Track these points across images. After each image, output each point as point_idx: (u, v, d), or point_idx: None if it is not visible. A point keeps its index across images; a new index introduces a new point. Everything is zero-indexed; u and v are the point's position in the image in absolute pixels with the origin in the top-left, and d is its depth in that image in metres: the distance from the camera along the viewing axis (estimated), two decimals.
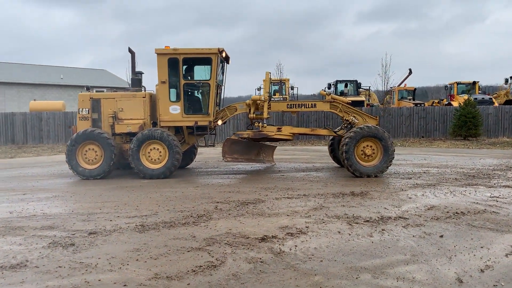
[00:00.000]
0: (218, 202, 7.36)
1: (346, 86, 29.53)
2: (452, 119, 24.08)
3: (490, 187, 8.51)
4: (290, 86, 32.65)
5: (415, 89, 33.18)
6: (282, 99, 29.58)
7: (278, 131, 10.92)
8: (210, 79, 10.61)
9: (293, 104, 11.17)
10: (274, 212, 6.57)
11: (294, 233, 5.42)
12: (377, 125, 10.85)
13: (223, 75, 11.85)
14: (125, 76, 29.26)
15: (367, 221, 5.99)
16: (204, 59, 10.67)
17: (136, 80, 11.50)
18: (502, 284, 3.82)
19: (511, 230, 5.47)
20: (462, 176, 10.04)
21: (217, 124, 10.95)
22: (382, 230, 5.54)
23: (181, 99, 10.65)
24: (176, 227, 5.81)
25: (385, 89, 27.07)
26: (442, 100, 33.24)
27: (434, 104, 32.06)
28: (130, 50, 11.50)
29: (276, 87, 31.41)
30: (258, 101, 10.65)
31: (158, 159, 10.40)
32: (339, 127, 11.65)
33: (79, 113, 11.08)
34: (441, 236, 5.23)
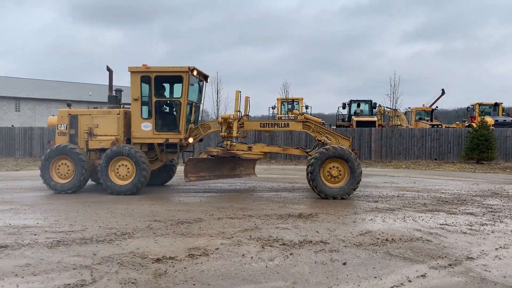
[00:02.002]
0: (155, 221, 7.33)
1: (358, 106, 29.10)
2: (465, 141, 23.25)
3: (450, 214, 8.09)
4: (304, 105, 32.54)
5: (433, 109, 32.29)
6: (294, 117, 29.48)
7: (249, 149, 10.83)
8: (181, 97, 10.70)
9: (266, 123, 11.07)
10: (201, 233, 6.47)
11: (197, 254, 5.30)
12: (349, 146, 10.61)
13: (200, 93, 11.94)
14: None
15: (284, 244, 5.80)
16: (175, 77, 10.80)
17: (113, 97, 11.74)
18: None
19: (426, 260, 5.14)
20: (434, 201, 9.61)
21: (189, 142, 10.97)
22: (290, 254, 5.33)
23: (152, 116, 10.78)
24: (89, 244, 5.81)
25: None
26: (464, 121, 32.20)
27: (457, 126, 31.03)
28: (108, 69, 11.79)
29: (289, 106, 31.33)
30: (229, 120, 10.63)
31: (126, 175, 10.50)
32: (312, 147, 11.43)
33: (57, 128, 11.40)
34: (344, 264, 4.98)
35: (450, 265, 4.97)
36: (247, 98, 11.53)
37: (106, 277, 4.47)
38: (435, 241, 6.06)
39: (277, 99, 30.83)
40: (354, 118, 28.03)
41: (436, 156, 24.82)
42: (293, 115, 29.61)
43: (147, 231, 6.56)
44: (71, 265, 4.86)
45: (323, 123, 11.02)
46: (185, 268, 4.80)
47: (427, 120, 31.38)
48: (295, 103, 32.10)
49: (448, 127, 28.95)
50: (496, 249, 5.66)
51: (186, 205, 9.07)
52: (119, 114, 11.11)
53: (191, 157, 10.83)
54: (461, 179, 14.64)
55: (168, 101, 11.15)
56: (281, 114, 30.36)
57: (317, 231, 6.57)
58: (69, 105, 11.92)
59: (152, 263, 4.98)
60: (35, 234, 6.32)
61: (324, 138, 10.62)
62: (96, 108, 11.98)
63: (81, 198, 9.95)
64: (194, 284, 4.30)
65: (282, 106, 31.99)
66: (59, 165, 10.78)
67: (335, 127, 29.25)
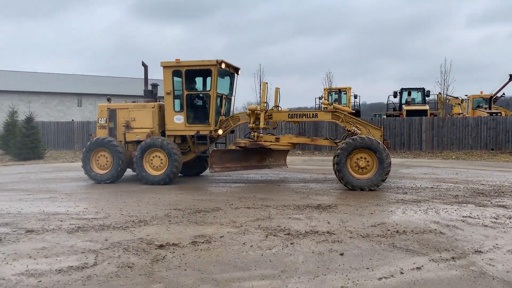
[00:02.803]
0: (176, 209, 7.61)
1: (409, 94, 28.03)
2: None
3: (480, 206, 7.70)
4: (353, 94, 31.87)
5: (491, 96, 30.35)
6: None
7: (276, 140, 10.87)
8: (210, 90, 10.93)
9: (295, 114, 11.03)
10: (214, 221, 6.65)
11: (200, 242, 5.48)
12: (380, 136, 10.35)
13: (231, 86, 12.11)
14: None
15: (289, 234, 5.83)
16: (204, 71, 11.03)
17: (148, 91, 12.20)
18: None
19: (430, 252, 4.98)
20: (468, 193, 9.17)
21: (218, 134, 11.19)
22: (291, 244, 5.37)
23: (184, 109, 11.11)
24: (106, 230, 6.17)
25: (444, 97, 25.16)
26: None
27: None
28: (143, 64, 12.25)
29: (336, 96, 30.80)
30: (256, 111, 10.72)
31: (160, 166, 10.93)
32: (342, 138, 11.24)
33: (98, 122, 12.06)
34: (341, 254, 4.94)
35: (453, 258, 4.78)
36: (277, 90, 11.55)
37: (107, 261, 4.75)
38: (448, 233, 5.83)
39: (324, 89, 30.37)
40: (404, 107, 27.06)
41: (493, 146, 23.43)
42: (325, 106, 29.12)
43: (163, 219, 6.84)
44: (81, 249, 5.20)
45: (353, 112, 10.80)
46: (183, 254, 4.99)
47: (485, 108, 29.62)
48: (342, 92, 31.53)
49: (507, 115, 27.15)
50: None
51: (211, 194, 9.31)
52: (153, 107, 11.55)
53: (215, 149, 11.04)
54: (511, 171, 13.77)
55: (199, 94, 11.41)
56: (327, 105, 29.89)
57: (328, 222, 6.53)
58: (109, 100, 12.54)
59: (155, 249, 5.22)
60: (61, 221, 6.79)
61: (354, 128, 10.43)
62: (134, 102, 12.50)
63: (117, 188, 10.50)
64: (185, 270, 4.47)
65: (329, 96, 31.53)
66: (99, 157, 11.41)
67: (385, 116, 28.44)
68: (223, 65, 10.90)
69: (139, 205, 8.11)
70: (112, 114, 11.89)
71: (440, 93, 31.62)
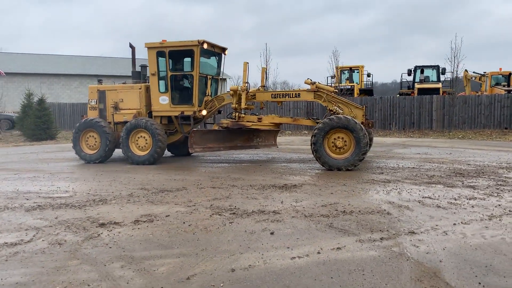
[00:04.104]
0: (142, 189, 7.77)
1: (422, 72, 27.28)
2: None
3: (448, 187, 7.55)
4: (366, 73, 31.25)
5: (510, 73, 29.19)
6: (349, 87, 28.49)
7: (258, 120, 10.86)
8: (193, 70, 10.96)
9: (278, 94, 10.98)
10: (170, 201, 6.77)
11: (142, 221, 5.60)
12: (363, 115, 10.20)
13: (218, 66, 12.10)
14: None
15: (234, 213, 5.90)
16: (187, 51, 11.04)
17: (136, 72, 12.33)
18: None
19: (362, 233, 4.95)
20: (447, 173, 8.99)
21: (202, 115, 11.25)
22: (230, 223, 5.44)
23: (168, 90, 11.20)
24: (62, 209, 6.37)
25: (454, 76, 24.36)
26: None
27: None
28: (130, 45, 12.35)
29: (347, 75, 30.28)
30: (238, 92, 10.70)
31: (145, 146, 11.12)
32: (323, 117, 11.11)
33: (89, 103, 12.31)
34: (272, 233, 4.98)
35: (381, 239, 4.75)
36: (263, 69, 11.49)
37: (42, 238, 4.94)
38: (395, 214, 5.77)
39: (336, 68, 29.85)
40: (416, 85, 26.43)
41: (507, 125, 22.71)
42: (349, 84, 28.44)
43: (124, 198, 7.01)
44: (26, 227, 5.41)
45: (335, 91, 10.65)
46: (119, 233, 5.13)
47: (503, 85, 28.53)
48: (356, 71, 30.96)
49: None
50: (454, 224, 5.26)
51: (187, 174, 9.44)
52: (140, 89, 11.69)
53: (195, 129, 11.10)
54: (510, 150, 13.36)
55: (183, 75, 11.46)
56: (340, 83, 29.45)
57: (281, 202, 6.55)
58: (99, 81, 12.75)
59: (96, 227, 5.38)
60: (28, 199, 7.05)
61: (335, 107, 10.30)
62: (124, 83, 12.67)
63: (102, 168, 10.76)
64: (111, 247, 4.61)
65: (342, 75, 31.02)
66: (88, 137, 11.69)
67: (398, 95, 27.82)
68: (205, 45, 10.88)
69: (111, 184, 8.32)
70: (101, 96, 12.10)
71: (466, 70, 30.59)
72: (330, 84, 28.96)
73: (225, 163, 11.53)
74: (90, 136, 11.66)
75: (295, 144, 17.00)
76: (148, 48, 11.19)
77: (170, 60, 11.10)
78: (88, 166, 11.08)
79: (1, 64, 41.11)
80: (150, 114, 11.69)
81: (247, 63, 10.61)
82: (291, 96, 10.84)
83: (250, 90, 10.92)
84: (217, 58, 11.93)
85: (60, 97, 44.30)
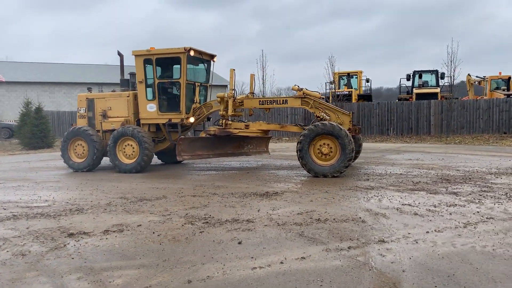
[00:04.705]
0: (121, 198, 7.71)
1: (420, 77, 27.19)
2: None
3: (431, 193, 7.45)
4: (365, 78, 31.17)
5: (509, 77, 29.01)
6: (347, 93, 28.34)
7: (246, 127, 10.80)
8: (180, 78, 10.95)
9: (265, 101, 10.92)
10: (146, 210, 6.70)
11: (112, 231, 5.53)
12: (350, 121, 10.12)
13: (207, 73, 12.08)
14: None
15: (207, 222, 5.83)
16: (174, 59, 11.03)
17: (124, 80, 12.32)
18: None
19: (331, 242, 4.86)
20: (433, 180, 8.88)
21: (190, 122, 11.22)
22: (200, 232, 5.36)
23: (156, 97, 11.19)
24: (38, 218, 6.31)
25: (451, 81, 24.24)
26: None
27: None
28: (119, 53, 12.36)
29: (345, 80, 30.20)
30: (225, 98, 10.66)
31: (132, 154, 11.08)
32: (311, 124, 11.03)
33: (78, 112, 12.31)
34: (239, 243, 4.90)
35: (349, 247, 4.66)
36: (252, 76, 11.47)
37: (7, 249, 4.88)
38: (369, 222, 5.68)
39: (334, 73, 29.79)
40: (414, 90, 26.33)
41: (506, 129, 22.55)
42: (347, 90, 28.29)
43: (101, 207, 6.95)
44: None
45: (322, 98, 10.59)
46: (86, 243, 5.06)
47: (503, 90, 28.34)
48: (354, 77, 30.88)
49: None
50: (427, 232, 5.16)
51: (172, 182, 9.38)
52: (128, 96, 11.68)
53: (183, 136, 11.06)
54: (504, 155, 13.21)
55: (170, 83, 11.44)
56: (338, 89, 29.37)
57: (258, 210, 6.47)
58: (89, 89, 12.76)
59: (64, 237, 5.31)
60: (5, 209, 7.00)
61: (322, 114, 10.23)
62: (114, 91, 12.67)
63: (89, 176, 10.72)
64: (73, 258, 4.54)
65: (341, 80, 30.95)
66: (76, 146, 11.68)
67: (397, 100, 27.68)
68: (191, 53, 10.86)
69: (92, 193, 8.27)
70: (90, 104, 12.11)
71: (469, 74, 30.42)
72: (329, 90, 28.89)
73: (213, 170, 11.47)
74: (78, 144, 11.65)
75: (289, 150, 16.92)
76: (136, 55, 11.20)
77: (157, 68, 11.09)
78: (75, 175, 11.05)
79: (4, 73, 41.43)
80: (138, 122, 11.67)
81: (234, 70, 10.59)
82: (278, 102, 10.79)
83: (238, 97, 10.88)
84: (205, 65, 11.91)
85: (62, 105, 44.46)
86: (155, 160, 13.57)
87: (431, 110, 23.55)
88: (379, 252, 4.50)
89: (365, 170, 10.47)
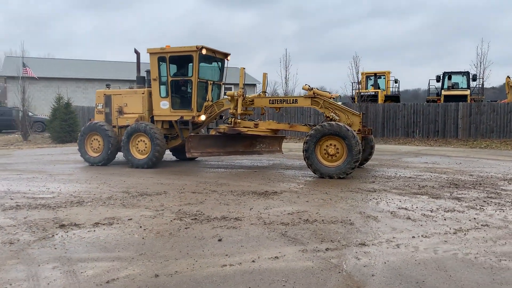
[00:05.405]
0: (123, 192, 7.89)
1: (449, 78, 26.37)
2: None
3: (433, 198, 7.25)
4: (393, 79, 30.53)
5: None
6: (373, 93, 27.79)
7: (255, 126, 10.81)
8: (192, 76, 11.08)
9: (275, 100, 10.91)
10: (142, 205, 6.83)
11: (102, 223, 5.68)
12: (360, 122, 9.98)
13: (221, 72, 12.17)
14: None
15: (196, 218, 5.90)
16: (187, 57, 11.16)
17: (141, 78, 12.56)
18: None
19: (310, 243, 4.82)
20: (441, 184, 8.63)
21: (200, 120, 11.33)
22: (186, 228, 5.43)
23: (169, 95, 11.37)
24: (38, 209, 6.55)
25: (479, 84, 23.37)
26: None
27: None
28: (135, 51, 12.61)
29: (372, 81, 29.68)
30: (234, 97, 10.71)
31: (144, 150, 11.30)
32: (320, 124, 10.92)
33: (96, 107, 12.66)
34: (219, 240, 4.93)
35: (327, 249, 4.61)
36: (264, 75, 11.47)
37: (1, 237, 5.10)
38: (358, 224, 5.59)
39: (362, 73, 29.36)
40: (443, 92, 25.59)
41: None
42: (373, 91, 27.84)
43: (101, 201, 7.14)
44: None
45: (333, 98, 10.48)
46: (74, 234, 5.22)
47: None
48: (382, 77, 30.30)
49: None
50: (413, 237, 5.04)
51: (177, 178, 9.51)
52: (143, 93, 11.91)
53: (192, 134, 11.15)
54: None
55: (182, 80, 11.58)
56: (365, 90, 28.94)
57: (250, 209, 6.49)
58: (107, 86, 13.09)
59: (56, 228, 5.50)
60: (11, 199, 7.30)
61: (332, 114, 10.12)
62: (131, 88, 12.94)
63: (102, 170, 11.01)
64: (56, 248, 4.70)
65: (369, 81, 30.45)
66: (92, 141, 12.02)
67: (425, 102, 26.99)
68: (203, 51, 10.96)
69: (98, 187, 8.49)
70: (107, 100, 12.42)
71: (508, 76, 29.27)
72: (354, 90, 28.44)
73: (222, 168, 11.55)
74: (94, 139, 11.98)
75: None
76: (150, 53, 11.41)
77: (171, 66, 11.26)
78: (88, 169, 11.38)
79: (41, 70, 42.99)
80: (152, 119, 11.88)
81: (244, 68, 10.61)
82: (289, 102, 10.75)
83: (249, 96, 10.91)
84: (219, 63, 12.00)
85: (94, 101, 45.73)
86: (170, 156, 13.79)
87: (459, 112, 22.81)
88: (356, 255, 4.44)
89: (374, 173, 10.29)
